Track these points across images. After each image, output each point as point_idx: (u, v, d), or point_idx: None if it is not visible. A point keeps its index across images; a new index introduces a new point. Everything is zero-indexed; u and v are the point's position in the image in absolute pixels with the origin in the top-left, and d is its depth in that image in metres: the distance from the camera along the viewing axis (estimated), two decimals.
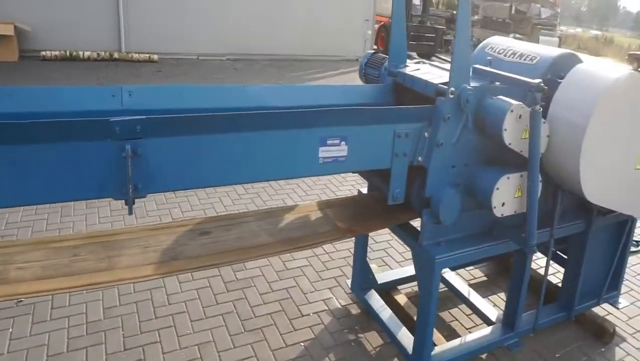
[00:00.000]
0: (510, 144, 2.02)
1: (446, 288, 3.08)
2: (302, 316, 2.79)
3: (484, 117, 2.06)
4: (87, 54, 8.97)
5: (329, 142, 1.87)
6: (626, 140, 2.17)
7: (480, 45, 2.65)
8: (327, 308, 2.87)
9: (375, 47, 14.32)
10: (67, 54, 8.78)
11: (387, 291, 2.96)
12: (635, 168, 2.26)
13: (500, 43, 2.57)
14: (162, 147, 1.55)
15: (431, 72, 2.30)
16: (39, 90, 1.71)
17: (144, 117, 1.48)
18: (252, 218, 2.15)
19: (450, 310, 2.96)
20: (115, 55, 9.25)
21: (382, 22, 14.00)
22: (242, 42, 10.65)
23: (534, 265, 3.33)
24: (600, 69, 2.11)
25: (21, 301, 2.70)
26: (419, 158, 2.06)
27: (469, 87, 2.00)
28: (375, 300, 2.79)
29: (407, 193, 2.14)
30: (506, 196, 2.08)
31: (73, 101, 1.72)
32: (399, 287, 3.07)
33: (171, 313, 2.72)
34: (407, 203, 2.16)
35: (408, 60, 2.49)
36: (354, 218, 2.24)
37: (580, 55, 2.40)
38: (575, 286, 2.75)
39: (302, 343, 2.58)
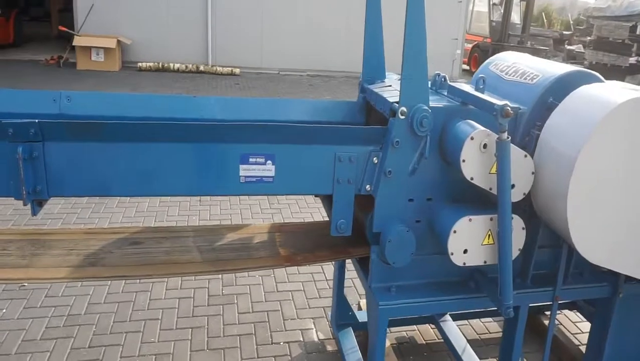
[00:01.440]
0: (472, 179, 1.68)
1: (442, 340, 2.69)
2: (271, 343, 2.63)
3: (445, 144, 1.76)
4: (176, 65, 9.82)
5: (251, 159, 1.73)
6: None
7: (487, 61, 2.30)
8: (301, 340, 2.67)
9: (467, 67, 13.61)
10: (160, 65, 9.70)
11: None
12: None
13: (506, 59, 2.20)
14: (64, 152, 1.55)
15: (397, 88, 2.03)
16: None
17: (37, 120, 1.50)
18: (192, 234, 2.07)
19: None
20: (202, 67, 10.00)
21: (476, 42, 13.26)
22: (323, 58, 10.83)
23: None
24: (607, 91, 1.67)
25: (24, 285, 2.94)
26: (367, 187, 1.82)
27: (425, 108, 1.71)
28: (348, 340, 2.53)
29: (362, 225, 1.91)
30: (468, 242, 1.73)
31: (13, 104, 1.81)
32: (390, 329, 2.77)
33: (145, 318, 2.75)
34: (363, 236, 1.92)
35: (391, 74, 2.25)
36: (301, 246, 2.04)
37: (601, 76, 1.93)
38: None
39: None
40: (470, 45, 13.43)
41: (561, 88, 1.83)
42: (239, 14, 10.37)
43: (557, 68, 1.94)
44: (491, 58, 2.30)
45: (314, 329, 2.76)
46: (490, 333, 2.90)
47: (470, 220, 1.72)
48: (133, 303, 2.87)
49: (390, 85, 2.08)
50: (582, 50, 15.52)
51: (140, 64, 9.74)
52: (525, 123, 1.85)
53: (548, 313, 3.03)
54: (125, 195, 1.71)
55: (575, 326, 2.99)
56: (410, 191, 1.81)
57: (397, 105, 1.73)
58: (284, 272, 3.29)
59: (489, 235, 1.75)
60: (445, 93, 1.94)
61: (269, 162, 1.75)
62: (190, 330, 2.68)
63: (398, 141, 1.74)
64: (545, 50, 13.34)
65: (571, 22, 19.96)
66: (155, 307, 2.84)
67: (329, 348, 2.63)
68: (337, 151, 1.77)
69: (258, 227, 2.18)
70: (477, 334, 2.87)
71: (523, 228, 1.77)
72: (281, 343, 2.63)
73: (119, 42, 9.42)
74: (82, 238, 1.98)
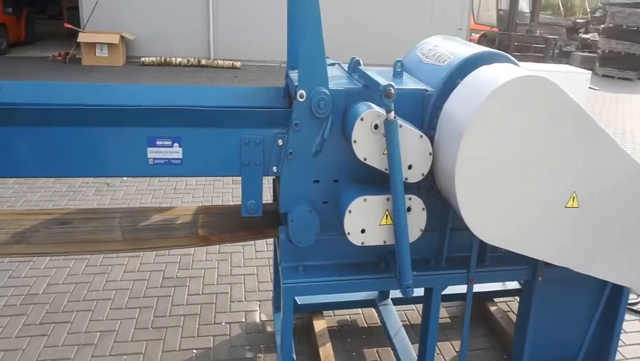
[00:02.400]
0: (365, 160, 1.72)
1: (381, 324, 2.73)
2: (213, 324, 2.72)
3: (345, 126, 1.79)
4: (178, 60, 10.00)
5: (158, 142, 1.81)
6: (546, 169, 1.67)
7: (415, 45, 2.31)
8: (242, 321, 2.75)
9: None
10: (162, 59, 9.89)
11: (311, 313, 2.73)
12: (565, 206, 1.74)
13: (430, 42, 2.21)
14: None
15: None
16: None
17: None
18: (119, 215, 2.16)
19: (370, 348, 2.61)
20: (203, 61, 10.15)
21: (483, 32, 13.02)
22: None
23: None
24: (499, 71, 1.67)
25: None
26: (274, 169, 1.87)
27: (323, 90, 1.75)
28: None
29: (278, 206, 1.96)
30: (366, 222, 1.77)
31: None
32: (334, 312, 2.83)
33: (98, 298, 2.87)
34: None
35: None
36: (222, 227, 2.11)
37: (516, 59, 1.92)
38: (521, 351, 2.20)
39: (194, 350, 2.51)
40: (477, 35, 13.19)
41: (467, 69, 1.82)
42: (240, 7, 10.47)
43: (469, 50, 1.94)
44: (420, 42, 2.31)
45: (258, 311, 2.83)
46: None
47: (365, 200, 1.75)
48: (89, 284, 3.00)
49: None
50: (597, 39, 15.07)
51: (143, 59, 9.95)
52: (433, 104, 1.87)
53: (497, 299, 3.04)
54: (38, 176, 1.81)
55: None
56: (315, 172, 1.86)
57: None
58: (241, 257, 3.38)
59: (387, 215, 1.78)
60: (356, 77, 1.97)
61: (176, 144, 1.83)
62: (138, 309, 2.79)
63: (297, 123, 1.78)
64: (555, 39, 13.00)
65: (588, 9, 19.35)
66: (110, 288, 2.97)
67: (269, 329, 2.70)
68: (243, 134, 1.83)
69: (184, 208, 2.26)
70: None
71: (423, 209, 1.80)
72: (223, 324, 2.71)
73: (122, 37, 9.64)
74: (16, 219, 2.10)
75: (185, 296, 2.93)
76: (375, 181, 1.86)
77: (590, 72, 2.59)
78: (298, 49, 2.24)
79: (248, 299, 2.95)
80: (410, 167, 1.74)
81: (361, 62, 2.03)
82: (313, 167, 1.85)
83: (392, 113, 1.62)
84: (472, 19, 13.79)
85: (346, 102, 1.80)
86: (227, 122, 1.82)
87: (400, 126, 1.68)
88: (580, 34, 17.81)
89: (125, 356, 2.43)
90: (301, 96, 1.75)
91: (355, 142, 1.69)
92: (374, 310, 2.88)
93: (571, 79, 2.54)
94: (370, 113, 1.67)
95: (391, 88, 1.58)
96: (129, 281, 3.04)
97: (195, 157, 1.84)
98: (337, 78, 1.96)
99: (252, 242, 3.48)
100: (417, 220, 1.79)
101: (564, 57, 15.13)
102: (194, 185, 4.51)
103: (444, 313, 2.96)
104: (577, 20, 18.36)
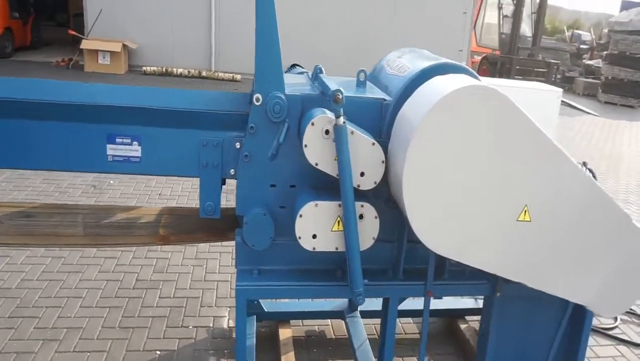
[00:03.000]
0: (317, 165, 1.74)
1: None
2: (181, 327, 2.72)
3: (300, 131, 1.82)
4: (179, 70, 10.17)
5: (118, 140, 1.85)
6: (496, 181, 1.68)
7: (384, 56, 2.35)
8: (210, 326, 2.75)
9: None
10: (164, 69, 10.05)
11: (279, 322, 2.73)
12: (517, 220, 1.74)
13: (396, 54, 2.25)
14: None
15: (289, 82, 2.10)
16: None
17: None
18: (86, 211, 2.20)
19: (334, 360, 2.60)
20: (204, 73, 10.30)
21: (485, 54, 13.12)
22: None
23: None
24: (449, 81, 1.69)
25: None
26: (231, 172, 1.90)
27: (278, 95, 1.79)
28: (247, 327, 2.57)
29: None
30: (317, 227, 1.79)
31: None
32: (303, 322, 2.82)
33: (70, 295, 2.89)
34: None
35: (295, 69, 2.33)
36: (183, 228, 2.14)
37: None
38: None
39: (158, 352, 2.51)
40: (479, 58, 13.30)
41: (424, 79, 1.85)
42: (242, 20, 10.64)
43: (429, 62, 1.97)
44: (389, 54, 2.36)
45: (227, 317, 2.83)
46: (406, 333, 2.90)
47: (316, 205, 1.77)
48: (63, 281, 3.02)
49: None
50: (601, 65, 15.14)
51: (145, 68, 10.12)
52: (390, 114, 1.89)
53: (469, 318, 3.01)
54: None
55: None
56: (271, 177, 1.89)
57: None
58: (217, 263, 3.39)
59: (339, 222, 1.80)
60: (316, 84, 2.01)
61: (135, 142, 1.87)
62: (108, 309, 2.80)
63: (253, 127, 1.82)
64: (557, 64, 13.08)
65: (592, 36, 19.48)
66: (82, 287, 2.98)
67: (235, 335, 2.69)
68: (202, 136, 1.87)
69: (150, 209, 2.29)
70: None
71: (376, 217, 1.81)
72: (190, 327, 2.72)
73: (124, 46, 9.82)
74: None
75: (156, 299, 2.94)
76: (330, 187, 1.88)
77: (561, 90, 2.62)
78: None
79: (218, 305, 2.95)
80: (362, 174, 1.76)
81: (323, 70, 2.07)
82: (269, 171, 1.88)
83: (342, 119, 1.65)
84: (474, 41, 13.96)
85: (303, 107, 1.84)
86: (185, 123, 1.87)
87: (352, 132, 1.72)
88: (584, 60, 17.91)
89: (88, 354, 2.44)
90: (257, 100, 1.79)
91: (306, 146, 1.72)
92: (342, 322, 2.87)
93: (542, 96, 2.56)
94: (321, 118, 1.70)
95: (339, 93, 1.62)
96: (102, 281, 3.06)
97: (154, 156, 1.88)
98: (299, 85, 2.00)
99: (230, 249, 3.49)
100: (369, 228, 1.81)
101: (566, 83, 15.19)
102: (179, 192, 4.55)
103: (413, 328, 2.94)
104: (581, 46, 18.47)
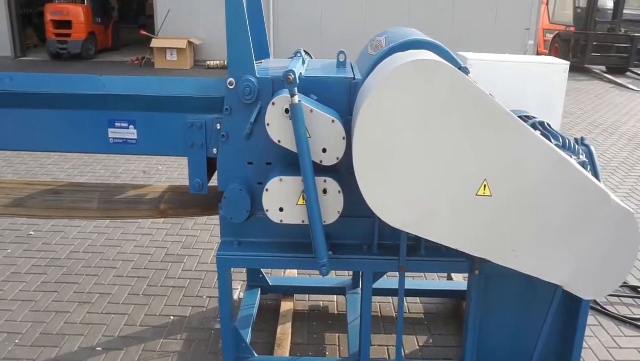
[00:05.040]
0: (280, 142, 1.85)
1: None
2: (195, 296, 2.97)
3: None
4: None
5: (117, 124, 2.10)
6: (451, 155, 1.67)
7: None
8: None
9: None
10: (225, 63, 10.56)
11: (283, 295, 2.89)
12: (476, 194, 1.73)
13: (381, 33, 2.26)
14: None
15: (269, 66, 2.22)
16: None
17: None
18: (103, 188, 2.50)
19: (332, 333, 2.70)
20: None
21: (557, 31, 12.12)
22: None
23: None
24: (405, 56, 1.69)
25: None
26: (214, 151, 2.07)
27: (249, 78, 1.92)
28: (249, 298, 2.76)
29: None
30: (283, 201, 1.90)
31: None
32: (309, 296, 2.95)
33: (106, 266, 3.25)
34: None
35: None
36: (180, 204, 2.36)
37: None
38: (464, 350, 2.17)
39: (171, 316, 2.78)
40: (551, 36, 12.34)
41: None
42: (300, 12, 10.87)
43: (402, 39, 1.98)
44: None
45: (238, 289, 3.04)
46: (410, 312, 2.92)
47: (280, 180, 1.89)
48: (103, 254, 3.41)
49: (260, 63, 2.30)
50: None
51: (208, 62, 10.74)
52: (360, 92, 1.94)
53: None
54: (22, 149, 2.20)
55: None
56: (248, 155, 2.03)
57: None
58: None
59: (303, 196, 1.89)
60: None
61: (131, 126, 2.11)
62: (136, 278, 3.14)
63: (227, 108, 1.97)
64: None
65: None
66: (118, 259, 3.35)
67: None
68: (188, 118, 2.05)
69: (157, 187, 2.54)
70: (394, 311, 2.91)
71: (339, 192, 1.89)
72: (204, 297, 2.97)
73: (189, 42, 10.50)
74: (21, 187, 2.52)
75: (179, 271, 3.23)
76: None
77: (568, 62, 2.46)
78: (258, 43, 2.47)
79: (233, 278, 3.16)
80: (324, 150, 1.84)
81: (312, 55, 2.16)
82: (246, 149, 2.02)
83: (296, 98, 1.74)
84: (546, 18, 12.96)
85: (274, 89, 1.94)
86: (173, 107, 2.06)
87: (311, 110, 1.80)
88: None
89: (113, 315, 2.78)
90: (230, 84, 1.94)
91: (268, 124, 1.83)
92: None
93: (547, 70, 2.43)
94: (281, 98, 1.80)
95: (291, 74, 1.71)
96: (135, 255, 3.42)
97: (148, 138, 2.10)
98: (280, 68, 2.10)
99: None
100: (333, 202, 1.89)
101: None
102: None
103: (419, 308, 2.95)
104: None
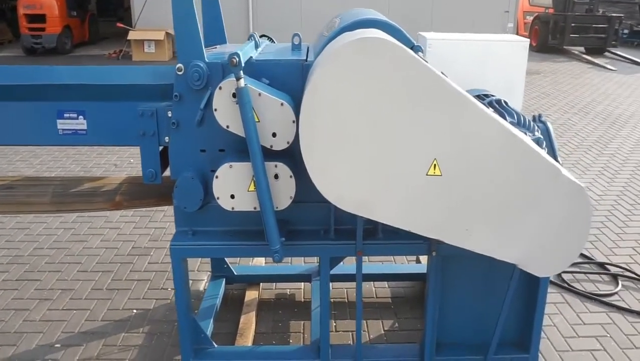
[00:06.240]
0: (228, 127, 1.80)
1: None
2: (160, 289, 2.92)
3: None
4: None
5: (66, 115, 2.03)
6: (398, 133, 1.63)
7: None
8: None
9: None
10: None
11: (248, 285, 2.86)
12: (426, 174, 1.70)
13: (337, 15, 2.21)
14: None
15: (222, 51, 2.16)
16: None
17: None
18: (58, 182, 2.43)
19: (297, 321, 2.68)
20: None
21: (537, 14, 12.15)
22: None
23: None
24: (357, 35, 1.64)
25: None
26: (166, 139, 2.01)
27: (197, 63, 1.86)
28: (212, 289, 2.72)
29: None
30: (234, 188, 1.86)
31: None
32: (276, 285, 2.93)
33: (71, 261, 3.18)
34: None
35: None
36: (137, 195, 2.30)
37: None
38: (431, 330, 2.15)
39: (134, 310, 2.73)
40: (531, 18, 12.35)
41: None
42: (280, 6, 10.72)
43: (353, 19, 1.93)
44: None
45: (205, 281, 3.00)
46: (378, 297, 2.91)
47: (230, 166, 1.84)
48: (68, 250, 3.34)
49: (215, 48, 2.24)
50: None
51: None
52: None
53: None
54: None
55: None
56: (201, 142, 1.97)
57: None
58: None
59: (254, 182, 1.85)
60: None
61: (81, 117, 2.04)
62: (100, 273, 3.07)
63: (177, 95, 1.91)
64: (619, 18, 11.79)
65: None
66: (83, 254, 3.28)
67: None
68: (139, 107, 1.98)
69: (113, 178, 2.47)
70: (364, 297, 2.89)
71: (291, 177, 1.84)
72: (169, 289, 2.92)
73: (167, 34, 10.28)
74: None
75: (145, 264, 3.18)
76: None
77: (528, 40, 2.44)
78: (214, 28, 2.41)
79: (200, 270, 3.13)
80: (274, 134, 1.80)
81: (274, 40, 2.11)
82: (198, 136, 1.96)
83: (242, 81, 1.69)
84: (526, 1, 12.96)
85: (224, 74, 1.89)
86: (122, 96, 2.00)
87: (259, 94, 1.75)
88: None
89: (74, 311, 2.72)
90: (179, 70, 1.88)
91: (216, 110, 1.78)
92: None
93: (507, 47, 2.41)
94: (228, 82, 1.75)
95: (235, 57, 1.66)
96: (101, 249, 3.35)
97: (98, 128, 2.04)
98: None
99: None
100: (285, 187, 1.85)
101: (636, 38, 13.67)
102: None
103: (386, 292, 2.94)
104: None
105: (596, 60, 10.93)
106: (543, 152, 1.75)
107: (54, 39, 10.68)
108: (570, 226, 1.76)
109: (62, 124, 2.04)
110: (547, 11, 12.07)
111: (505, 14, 10.90)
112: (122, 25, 10.68)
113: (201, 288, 2.94)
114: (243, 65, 1.69)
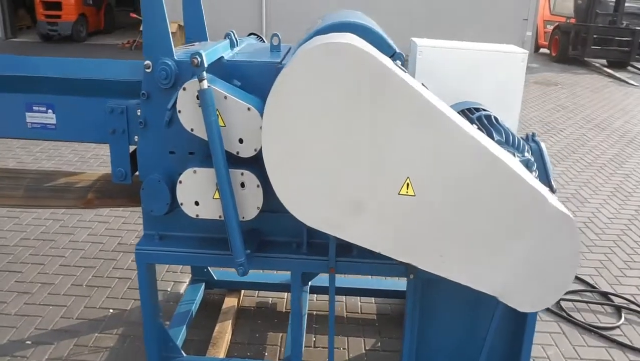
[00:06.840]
0: (193, 130, 1.72)
1: None
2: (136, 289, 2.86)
3: None
4: None
5: (35, 108, 1.97)
6: (367, 149, 1.52)
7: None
8: (167, 290, 2.88)
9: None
10: None
11: (228, 291, 2.77)
12: (398, 193, 1.58)
13: (323, 17, 2.11)
14: None
15: (204, 48, 2.07)
16: None
17: None
18: (33, 175, 2.38)
19: (276, 333, 2.58)
20: None
21: (557, 23, 11.79)
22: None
23: None
24: (325, 39, 1.53)
25: None
26: (135, 138, 1.94)
27: (165, 61, 1.77)
28: (190, 293, 2.65)
29: None
30: (198, 194, 1.77)
31: None
32: (258, 293, 2.84)
33: (54, 254, 3.15)
34: None
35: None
36: (110, 194, 2.23)
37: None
38: (408, 356, 2.04)
39: (111, 310, 2.68)
40: (552, 27, 12.01)
41: None
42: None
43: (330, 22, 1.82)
44: None
45: (186, 283, 2.93)
46: (364, 313, 2.80)
47: (194, 171, 1.76)
48: (54, 242, 3.31)
49: (193, 45, 2.15)
50: None
51: None
52: None
53: None
54: None
55: None
56: (170, 143, 1.89)
57: None
58: None
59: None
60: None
61: (50, 110, 1.97)
62: (82, 268, 3.03)
63: (144, 93, 1.83)
64: None
65: None
66: (68, 247, 3.25)
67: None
68: (110, 103, 1.92)
69: (90, 174, 2.41)
70: (346, 311, 2.79)
71: (258, 186, 1.75)
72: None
73: (180, 26, 10.24)
74: None
75: (128, 262, 3.12)
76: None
77: (527, 51, 2.29)
78: (196, 26, 2.32)
79: (183, 271, 3.06)
80: (241, 140, 1.71)
81: (264, 39, 2.03)
82: (167, 138, 1.88)
83: (205, 82, 1.61)
84: (547, 9, 12.62)
85: (194, 73, 1.80)
86: (93, 91, 1.93)
87: (225, 97, 1.66)
88: None
89: (51, 307, 2.68)
90: (147, 67, 1.80)
91: (180, 112, 1.70)
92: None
93: (505, 59, 2.27)
94: (192, 83, 1.66)
95: (196, 57, 1.57)
96: (87, 243, 3.31)
97: (67, 123, 1.97)
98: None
99: None
100: (252, 197, 1.76)
101: None
102: None
103: (372, 308, 2.83)
104: None
105: (618, 74, 10.56)
106: (529, 176, 1.62)
107: (70, 27, 10.79)
108: (557, 259, 1.63)
109: (31, 117, 1.98)
110: (568, 21, 11.71)
111: (524, 22, 10.60)
112: (135, 15, 10.70)
113: (181, 291, 2.86)
114: (206, 65, 1.61)
